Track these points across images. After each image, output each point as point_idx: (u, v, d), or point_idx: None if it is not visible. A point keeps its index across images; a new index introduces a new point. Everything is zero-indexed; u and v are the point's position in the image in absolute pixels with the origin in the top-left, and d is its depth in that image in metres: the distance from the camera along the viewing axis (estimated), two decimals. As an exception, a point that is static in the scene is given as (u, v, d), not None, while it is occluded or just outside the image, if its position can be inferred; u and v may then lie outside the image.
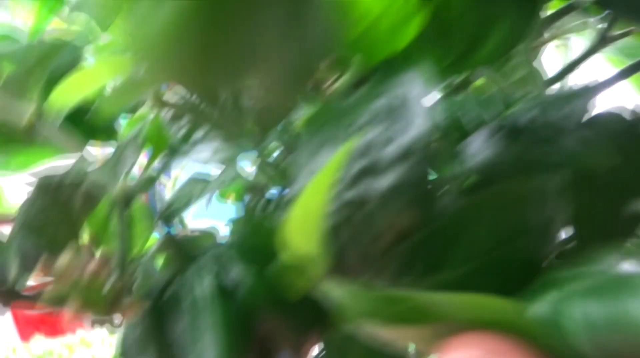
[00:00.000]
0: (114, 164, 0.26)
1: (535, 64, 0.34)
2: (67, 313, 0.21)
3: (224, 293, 0.21)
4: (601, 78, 0.26)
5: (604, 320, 0.11)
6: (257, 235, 0.24)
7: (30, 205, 0.30)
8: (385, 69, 0.22)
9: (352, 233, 0.16)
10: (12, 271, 0.37)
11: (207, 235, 0.33)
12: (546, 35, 0.32)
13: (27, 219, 0.30)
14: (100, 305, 0.24)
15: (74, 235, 0.29)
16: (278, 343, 0.21)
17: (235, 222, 0.31)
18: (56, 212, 0.29)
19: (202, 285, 0.22)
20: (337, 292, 0.15)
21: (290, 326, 0.21)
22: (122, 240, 0.26)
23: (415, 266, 0.18)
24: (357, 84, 0.23)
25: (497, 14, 0.22)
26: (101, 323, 0.43)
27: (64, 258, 0.25)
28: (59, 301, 0.22)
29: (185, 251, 0.29)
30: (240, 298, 0.21)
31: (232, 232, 0.30)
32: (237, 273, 0.22)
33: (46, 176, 0.30)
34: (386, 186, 0.15)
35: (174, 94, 0.24)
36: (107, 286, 0.24)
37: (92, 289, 0.24)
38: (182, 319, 0.23)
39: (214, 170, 0.30)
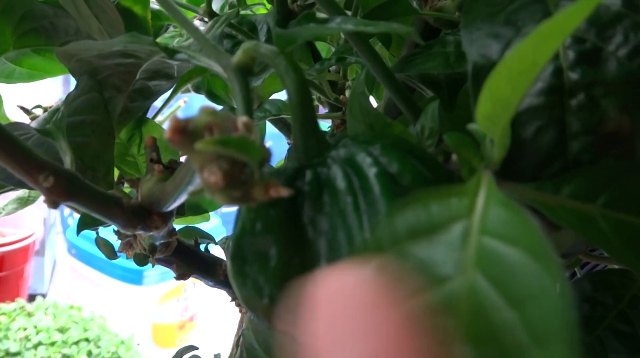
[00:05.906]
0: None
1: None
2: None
3: (393, 179, 0.22)
4: None
5: None
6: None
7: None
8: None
9: (551, 124, 0.16)
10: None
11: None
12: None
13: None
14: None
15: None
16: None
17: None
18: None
19: (366, 172, 0.22)
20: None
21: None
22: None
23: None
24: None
25: None
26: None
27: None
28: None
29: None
30: (407, 184, 0.22)
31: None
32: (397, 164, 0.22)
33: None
34: (614, 74, 0.15)
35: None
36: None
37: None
38: (326, 207, 0.24)
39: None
